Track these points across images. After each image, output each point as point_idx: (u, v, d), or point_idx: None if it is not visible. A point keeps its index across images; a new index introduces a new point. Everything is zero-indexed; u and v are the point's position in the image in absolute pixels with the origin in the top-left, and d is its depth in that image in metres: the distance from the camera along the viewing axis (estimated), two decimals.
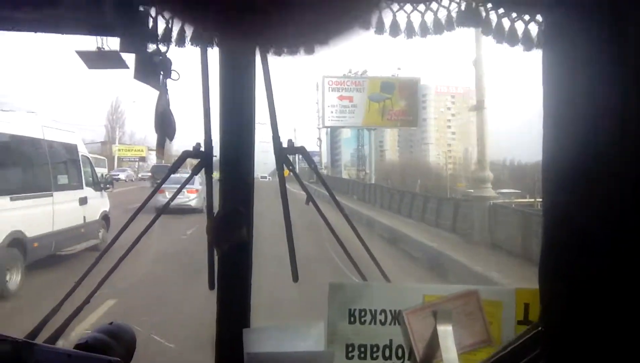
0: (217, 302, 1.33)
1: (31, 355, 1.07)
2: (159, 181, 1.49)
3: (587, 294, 0.63)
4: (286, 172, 1.42)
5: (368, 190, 25.36)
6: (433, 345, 1.33)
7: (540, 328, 0.82)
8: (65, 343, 1.22)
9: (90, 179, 10.81)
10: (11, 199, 7.54)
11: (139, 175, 40.08)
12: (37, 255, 8.12)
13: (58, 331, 1.25)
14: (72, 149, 10.06)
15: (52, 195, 8.72)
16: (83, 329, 1.22)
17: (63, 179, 9.48)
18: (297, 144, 1.37)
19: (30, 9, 1.15)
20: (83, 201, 9.92)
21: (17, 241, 7.53)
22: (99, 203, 10.89)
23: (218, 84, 1.32)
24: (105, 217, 11.15)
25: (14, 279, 7.30)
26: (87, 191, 10.27)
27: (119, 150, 46.76)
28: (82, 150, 10.69)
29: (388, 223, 15.63)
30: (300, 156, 1.47)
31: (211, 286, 1.33)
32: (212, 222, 1.31)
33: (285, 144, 1.39)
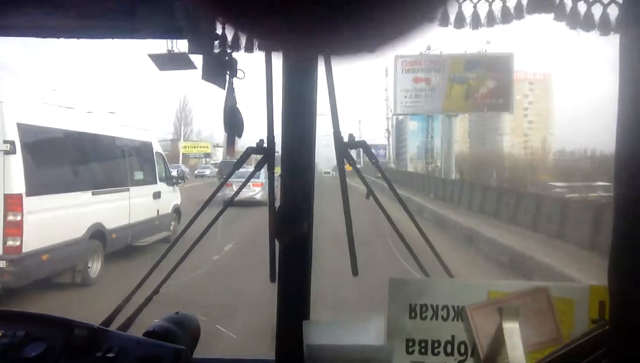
0: (278, 294, 1.38)
1: (104, 341, 1.17)
2: (224, 176, 1.61)
3: None
4: (348, 167, 1.46)
5: (450, 187, 21.02)
6: (498, 342, 1.30)
7: (608, 327, 0.78)
8: (136, 330, 1.31)
9: (164, 174, 11.37)
10: (93, 194, 8.12)
11: (196, 171, 39.77)
12: (115, 246, 8.71)
13: (130, 319, 1.35)
14: (147, 146, 10.67)
15: (128, 190, 9.29)
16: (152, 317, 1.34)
17: (139, 175, 10.03)
18: (363, 136, 1.40)
19: (108, 18, 1.28)
20: (157, 195, 10.47)
21: (98, 232, 8.11)
22: (171, 197, 11.43)
23: (281, 84, 1.36)
24: (176, 210, 11.69)
25: (95, 267, 7.92)
26: (161, 186, 10.81)
27: (185, 147, 47.78)
28: (156, 147, 11.25)
29: (508, 242, 10.32)
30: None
31: (272, 279, 1.38)
32: (274, 216, 1.35)
33: (346, 139, 1.41)
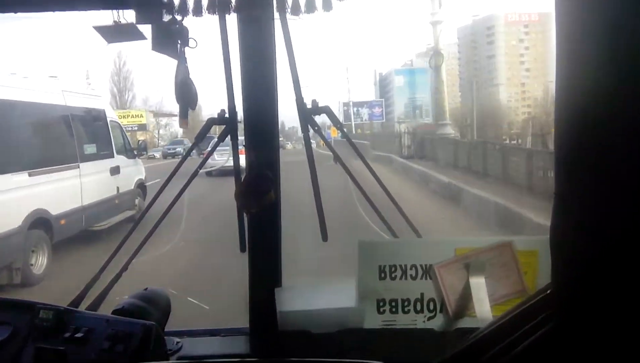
0: (249, 264, 1.47)
1: (72, 321, 1.21)
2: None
3: (599, 257, 0.65)
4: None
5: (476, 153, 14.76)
6: (465, 297, 1.42)
7: (550, 290, 0.91)
8: (106, 309, 1.36)
9: (123, 146, 10.55)
10: (30, 175, 7.15)
11: (165, 149, 34.91)
12: (66, 233, 7.87)
13: (99, 298, 1.41)
14: (99, 115, 9.75)
15: (78, 167, 8.39)
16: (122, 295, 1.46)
17: (90, 148, 9.10)
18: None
19: None
20: (115, 170, 9.71)
21: (40, 220, 7.21)
22: (133, 171, 10.75)
23: (238, 49, 1.40)
24: (141, 185, 11.00)
25: (40, 263, 7.17)
26: (119, 160, 10.02)
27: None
28: (111, 115, 10.40)
29: None
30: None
31: (242, 249, 1.47)
32: (240, 187, 1.43)
33: (309, 105, 1.47)
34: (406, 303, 1.42)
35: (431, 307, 1.42)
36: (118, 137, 10.52)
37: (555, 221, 0.72)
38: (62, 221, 7.78)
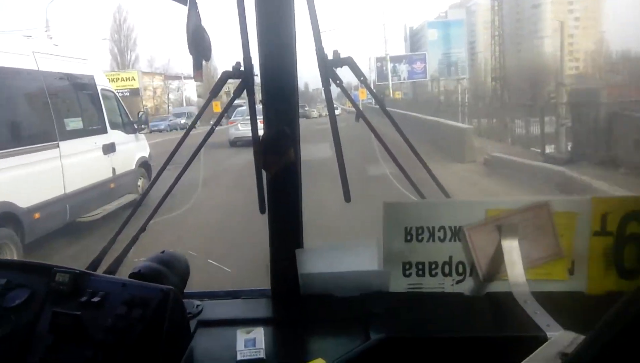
0: (269, 225, 1.48)
1: (88, 285, 1.23)
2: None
3: None
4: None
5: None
6: (497, 260, 1.37)
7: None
8: (124, 273, 1.38)
9: (120, 119, 9.31)
10: None
11: (167, 122, 32.85)
12: (43, 229, 6.70)
13: (117, 261, 1.43)
14: (87, 82, 8.43)
15: (57, 146, 7.10)
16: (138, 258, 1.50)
17: (75, 122, 7.81)
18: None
19: None
20: (109, 148, 8.51)
21: (5, 216, 6.05)
22: (133, 148, 9.56)
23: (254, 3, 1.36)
24: (144, 164, 9.83)
25: None
26: (115, 135, 8.82)
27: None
28: (102, 82, 9.00)
29: None
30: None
31: (262, 210, 1.47)
32: (258, 146, 1.42)
33: (330, 56, 1.43)
34: (433, 266, 1.42)
35: (460, 270, 1.41)
36: (113, 109, 9.23)
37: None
38: (36, 215, 6.56)
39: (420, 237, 1.41)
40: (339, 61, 1.44)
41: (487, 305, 1.39)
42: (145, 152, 10.09)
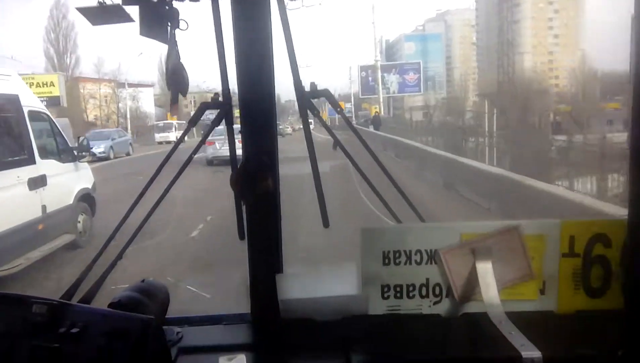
0: (248, 251, 1.55)
1: (67, 316, 1.24)
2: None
3: None
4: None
5: None
6: (472, 282, 1.46)
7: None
8: (100, 303, 1.40)
9: (55, 146, 8.33)
10: None
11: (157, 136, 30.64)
12: None
13: (92, 290, 1.44)
14: (8, 102, 7.33)
15: None
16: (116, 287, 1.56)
17: None
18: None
19: None
20: (37, 182, 7.39)
21: None
22: (72, 180, 8.54)
23: (232, 31, 1.45)
24: (85, 197, 8.72)
25: None
26: (46, 166, 7.76)
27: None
28: (31, 102, 7.89)
29: None
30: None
31: (241, 236, 1.54)
32: (236, 174, 1.49)
33: (307, 88, 1.53)
34: (411, 288, 1.49)
35: (437, 292, 1.49)
36: (45, 133, 8.22)
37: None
38: None
39: (397, 260, 1.49)
40: (316, 93, 1.54)
41: (463, 325, 1.49)
42: (87, 183, 9.00)
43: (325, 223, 1.56)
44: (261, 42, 1.46)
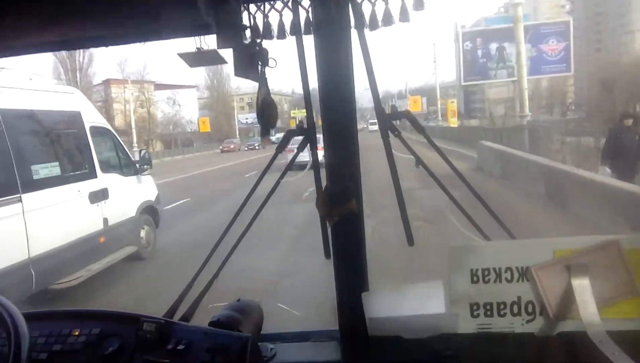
0: (334, 269, 1.61)
1: (173, 333, 1.39)
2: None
3: None
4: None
5: None
6: (568, 299, 1.42)
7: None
8: (197, 320, 1.53)
9: (117, 160, 8.52)
10: None
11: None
12: None
13: (192, 308, 1.57)
14: (70, 119, 7.51)
15: (19, 200, 6.10)
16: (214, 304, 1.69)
17: (47, 169, 6.73)
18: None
19: (134, 23, 1.46)
20: (99, 195, 7.59)
21: None
22: (135, 193, 8.71)
23: (315, 64, 1.55)
24: (148, 209, 8.90)
25: None
26: (108, 180, 7.93)
27: None
28: (92, 118, 8.05)
29: None
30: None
31: (327, 256, 1.60)
32: (321, 197, 1.58)
33: (388, 110, 1.59)
34: (502, 307, 1.47)
35: (530, 310, 1.46)
36: (108, 148, 8.42)
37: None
38: None
39: (486, 279, 1.47)
40: (397, 115, 1.59)
41: (560, 344, 1.45)
42: (150, 195, 9.20)
43: (410, 242, 1.57)
44: (342, 71, 1.55)
